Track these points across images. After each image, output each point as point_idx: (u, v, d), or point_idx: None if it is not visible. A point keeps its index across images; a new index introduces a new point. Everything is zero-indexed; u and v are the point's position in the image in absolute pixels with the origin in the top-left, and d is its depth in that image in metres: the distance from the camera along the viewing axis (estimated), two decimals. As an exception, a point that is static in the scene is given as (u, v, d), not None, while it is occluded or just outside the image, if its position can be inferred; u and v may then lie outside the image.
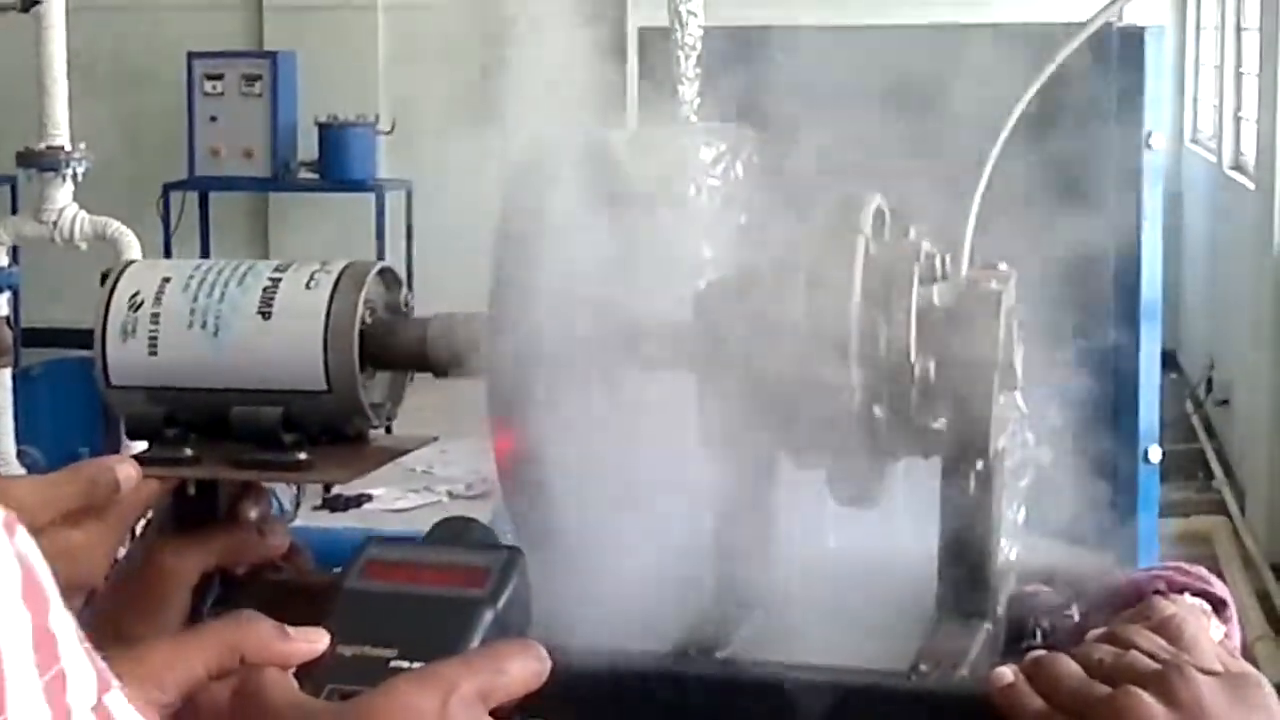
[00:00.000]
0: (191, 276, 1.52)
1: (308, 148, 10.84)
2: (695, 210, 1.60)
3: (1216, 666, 1.27)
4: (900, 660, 1.38)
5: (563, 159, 1.47)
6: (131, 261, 1.55)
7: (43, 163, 4.88)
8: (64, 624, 0.77)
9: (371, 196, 10.64)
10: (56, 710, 0.73)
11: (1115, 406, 2.33)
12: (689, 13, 2.60)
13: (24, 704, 0.71)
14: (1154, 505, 2.41)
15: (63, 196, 4.93)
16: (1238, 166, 9.76)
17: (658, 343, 1.43)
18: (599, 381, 1.42)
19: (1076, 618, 1.49)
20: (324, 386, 1.48)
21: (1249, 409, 8.75)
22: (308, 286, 1.50)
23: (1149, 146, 2.38)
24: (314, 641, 1.22)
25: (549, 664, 1.21)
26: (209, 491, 1.53)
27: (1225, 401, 9.67)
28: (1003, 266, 1.48)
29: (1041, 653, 1.32)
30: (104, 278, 1.54)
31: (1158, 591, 1.45)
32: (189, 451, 1.51)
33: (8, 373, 5.44)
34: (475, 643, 1.24)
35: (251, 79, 10.96)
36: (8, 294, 5.15)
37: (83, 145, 4.96)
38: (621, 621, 1.38)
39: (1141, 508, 2.38)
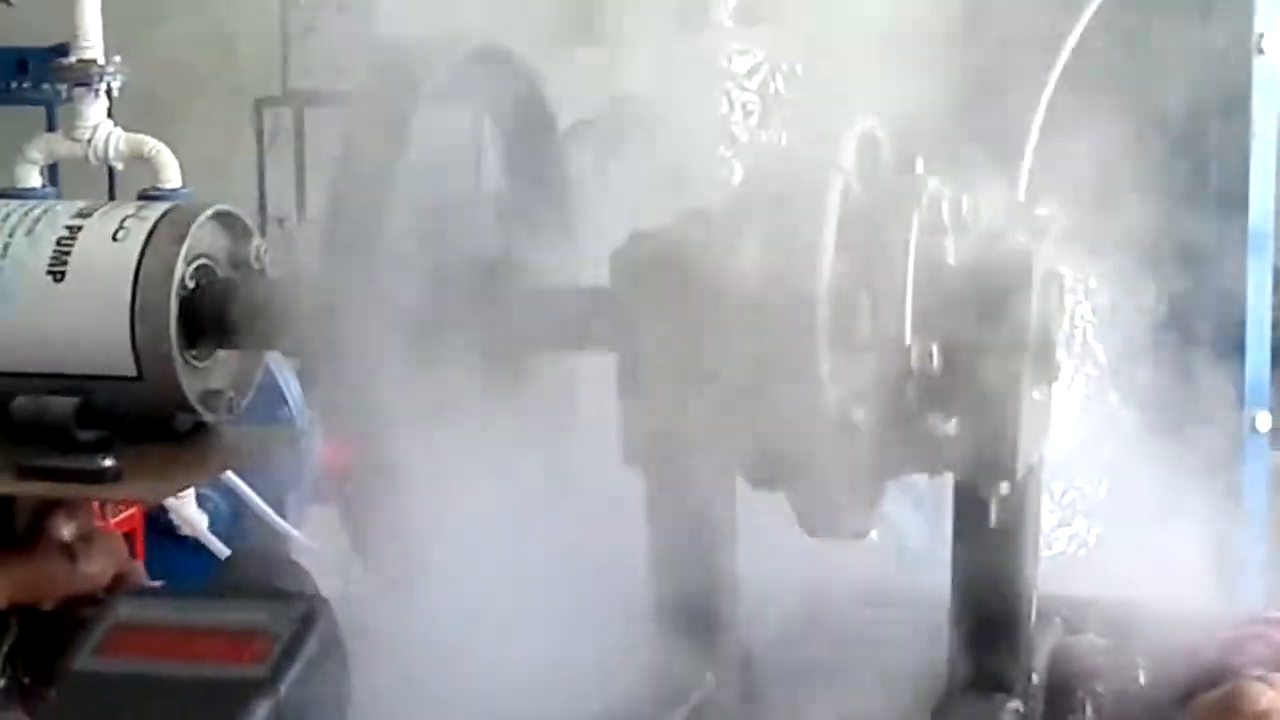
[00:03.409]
0: (-27, 224, 1.16)
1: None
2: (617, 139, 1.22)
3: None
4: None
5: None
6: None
7: (74, 78, 4.53)
8: None
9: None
10: None
11: (1213, 365, 1.92)
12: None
13: None
14: (1263, 484, 2.01)
15: (95, 113, 4.57)
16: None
17: (562, 318, 1.05)
18: (481, 368, 1.04)
19: (1142, 680, 1.11)
20: (133, 371, 1.12)
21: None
22: (115, 238, 1.13)
23: (1260, 51, 1.97)
24: None
25: None
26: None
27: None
28: (1042, 211, 1.08)
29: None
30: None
31: (1250, 662, 1.06)
32: (-36, 456, 1.15)
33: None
34: None
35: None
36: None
37: (117, 59, 4.60)
38: (520, 696, 1.01)
39: (1247, 487, 1.98)
